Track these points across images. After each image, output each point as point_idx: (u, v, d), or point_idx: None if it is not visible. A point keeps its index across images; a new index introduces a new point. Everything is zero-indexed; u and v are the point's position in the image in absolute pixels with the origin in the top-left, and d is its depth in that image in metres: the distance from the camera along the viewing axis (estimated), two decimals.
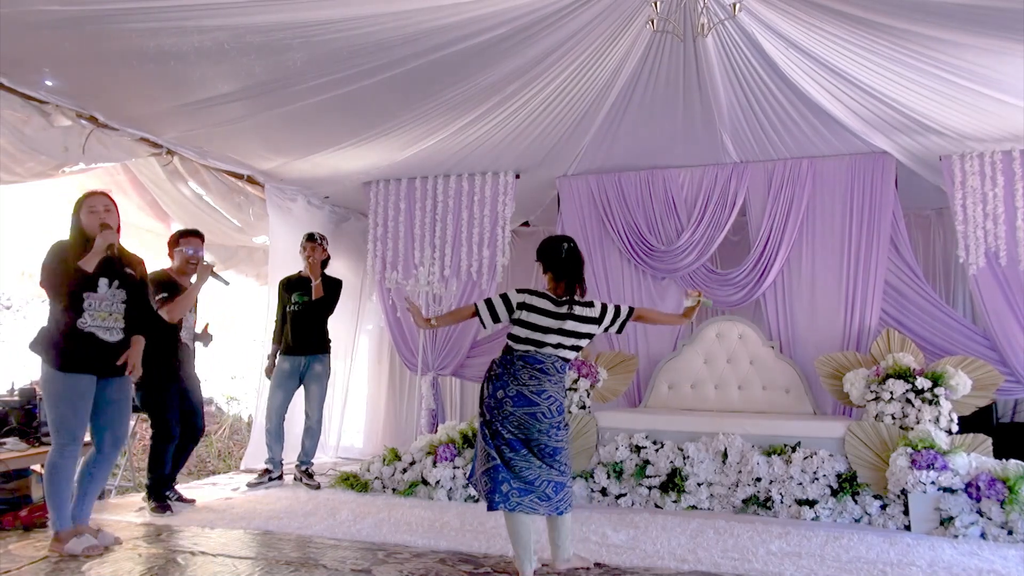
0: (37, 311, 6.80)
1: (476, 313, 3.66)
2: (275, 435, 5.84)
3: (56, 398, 3.77)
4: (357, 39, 4.31)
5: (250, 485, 5.70)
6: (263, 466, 5.88)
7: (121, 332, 3.97)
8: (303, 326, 5.85)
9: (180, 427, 4.86)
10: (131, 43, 4.17)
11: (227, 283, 5.04)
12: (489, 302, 3.64)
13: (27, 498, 4.57)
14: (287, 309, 5.91)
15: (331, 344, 6.08)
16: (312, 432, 5.92)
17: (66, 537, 3.79)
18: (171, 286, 4.84)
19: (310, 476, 5.81)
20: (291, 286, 5.96)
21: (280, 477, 5.87)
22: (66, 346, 3.80)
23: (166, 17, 3.94)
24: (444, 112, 5.42)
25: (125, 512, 4.71)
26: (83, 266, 3.80)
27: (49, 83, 4.66)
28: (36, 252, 5.80)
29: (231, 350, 8.09)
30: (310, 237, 5.94)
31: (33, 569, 3.52)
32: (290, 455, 6.03)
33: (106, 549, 3.85)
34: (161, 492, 4.81)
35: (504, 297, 3.64)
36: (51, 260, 3.84)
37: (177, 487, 5.12)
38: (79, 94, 4.86)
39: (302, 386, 5.94)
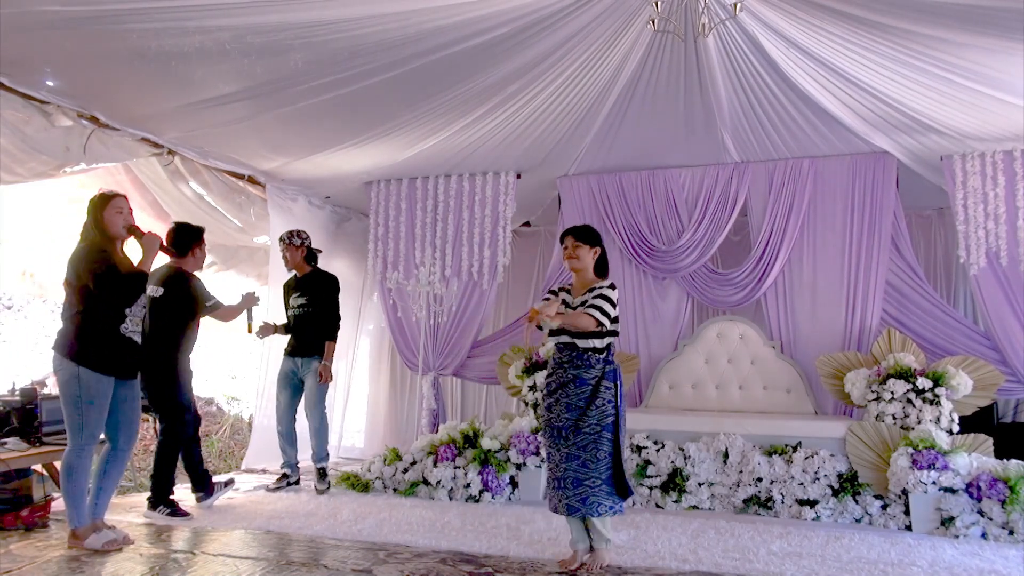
0: (38, 311, 6.81)
1: (600, 324, 3.62)
2: (287, 438, 5.69)
3: (87, 400, 3.80)
4: (358, 39, 4.31)
5: (269, 490, 5.61)
6: (280, 470, 5.76)
7: (141, 336, 4.06)
8: (300, 328, 5.71)
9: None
10: (132, 43, 4.18)
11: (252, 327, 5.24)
12: (603, 310, 3.63)
13: (28, 498, 4.56)
14: (288, 312, 5.82)
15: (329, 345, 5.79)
16: (315, 432, 5.66)
17: (84, 533, 3.85)
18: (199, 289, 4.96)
19: (320, 477, 5.60)
20: (288, 289, 5.87)
21: (297, 482, 5.74)
22: (109, 350, 3.86)
23: (167, 17, 3.94)
24: (445, 112, 5.42)
25: (126, 512, 4.71)
26: (144, 269, 3.94)
27: (50, 83, 4.66)
28: (37, 252, 5.84)
29: (231, 350, 8.09)
30: (280, 239, 5.83)
31: (35, 568, 3.52)
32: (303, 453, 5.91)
33: (124, 541, 3.91)
34: (168, 497, 4.70)
35: (611, 300, 3.69)
36: (105, 265, 3.83)
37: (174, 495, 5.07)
38: (80, 94, 4.87)
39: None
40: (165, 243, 4.22)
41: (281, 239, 5.81)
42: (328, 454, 5.76)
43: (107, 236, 3.92)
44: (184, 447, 4.88)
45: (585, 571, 3.61)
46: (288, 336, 5.82)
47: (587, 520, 3.64)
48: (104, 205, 3.92)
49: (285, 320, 5.86)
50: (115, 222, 3.92)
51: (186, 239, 4.91)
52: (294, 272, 5.87)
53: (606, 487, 3.53)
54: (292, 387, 5.77)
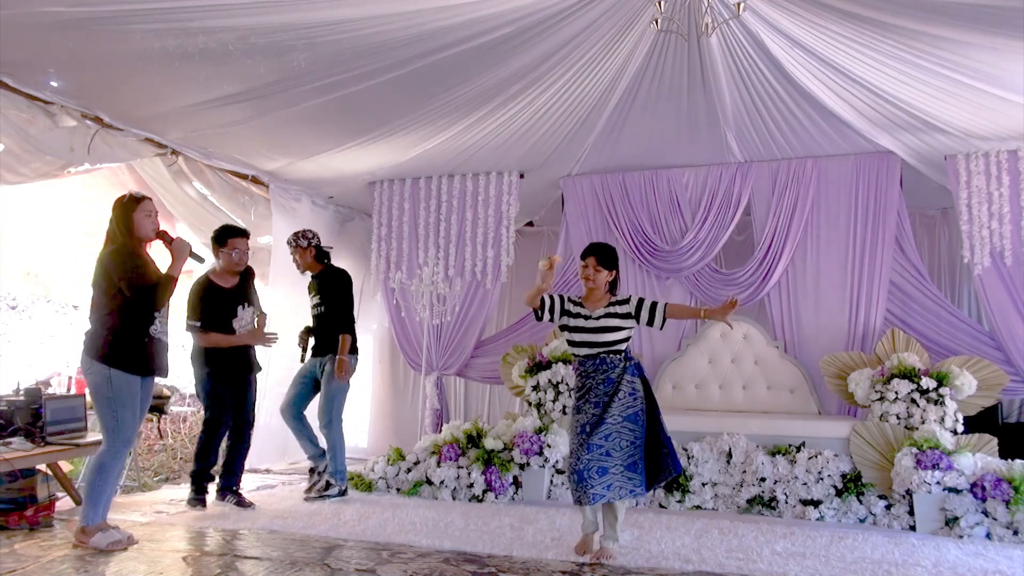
0: (42, 311, 6.82)
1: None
2: (296, 432, 5.45)
3: (122, 402, 3.84)
4: (361, 40, 4.31)
5: (307, 499, 5.30)
6: (308, 470, 5.51)
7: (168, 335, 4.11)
8: (318, 328, 5.51)
9: (233, 421, 5.03)
10: (136, 44, 4.19)
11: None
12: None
13: (32, 498, 4.57)
14: (312, 312, 5.60)
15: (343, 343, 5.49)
16: (331, 449, 5.35)
17: (92, 532, 3.86)
18: (215, 294, 4.91)
19: (324, 487, 5.34)
20: (309, 290, 5.63)
21: (323, 472, 5.39)
22: (139, 351, 3.89)
23: (171, 18, 3.95)
24: (448, 112, 5.42)
25: (129, 512, 4.72)
26: (173, 274, 3.96)
27: (54, 84, 4.68)
28: (41, 252, 5.86)
29: None
30: (287, 243, 5.60)
31: (39, 568, 3.52)
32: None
33: (129, 540, 3.91)
34: (202, 482, 4.92)
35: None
36: (137, 270, 3.86)
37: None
38: (84, 95, 4.88)
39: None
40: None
41: (288, 243, 5.59)
42: (342, 472, 5.35)
43: (135, 239, 3.94)
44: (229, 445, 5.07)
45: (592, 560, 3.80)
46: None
47: (608, 511, 3.87)
48: (133, 208, 3.94)
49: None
50: (144, 225, 3.95)
51: (213, 241, 5.01)
52: (309, 273, 5.63)
53: (628, 472, 3.81)
54: (303, 384, 5.54)
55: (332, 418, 5.34)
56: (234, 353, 4.99)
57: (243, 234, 5.06)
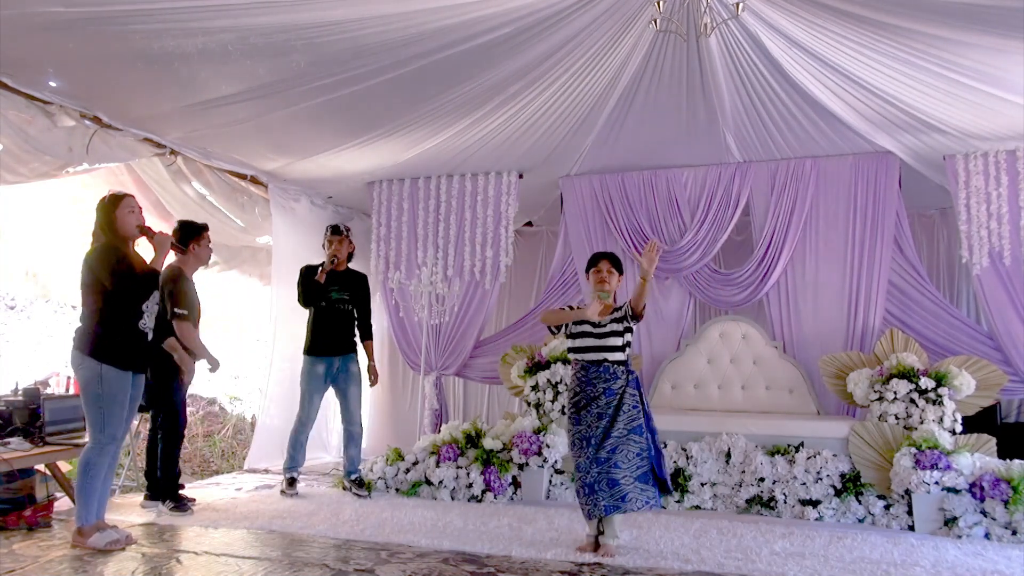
0: (41, 311, 6.82)
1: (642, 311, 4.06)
2: (303, 442, 5.53)
3: (111, 397, 3.86)
4: (360, 40, 4.31)
5: (284, 493, 5.43)
6: (288, 475, 5.50)
7: (153, 331, 4.13)
8: (338, 325, 5.52)
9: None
10: (135, 44, 4.19)
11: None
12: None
13: (31, 498, 4.57)
14: (321, 304, 5.47)
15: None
16: (356, 439, 5.56)
17: (89, 532, 3.87)
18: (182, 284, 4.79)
19: (360, 484, 5.45)
20: (328, 279, 5.48)
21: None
22: (129, 346, 3.93)
23: (170, 18, 3.95)
24: (447, 112, 5.42)
25: (128, 511, 4.72)
26: (156, 267, 4.01)
27: (53, 84, 4.67)
28: (40, 252, 5.85)
29: (234, 350, 8.08)
30: (335, 230, 5.59)
31: (38, 567, 3.52)
32: (314, 453, 5.77)
33: (127, 540, 3.93)
34: (176, 492, 4.78)
35: None
36: (122, 264, 3.89)
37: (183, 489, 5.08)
38: (83, 95, 4.88)
39: (333, 390, 5.63)
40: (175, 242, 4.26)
41: (338, 230, 5.59)
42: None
43: (119, 236, 3.97)
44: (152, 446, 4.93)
45: (600, 555, 3.88)
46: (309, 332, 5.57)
47: (606, 516, 3.92)
48: (116, 205, 3.98)
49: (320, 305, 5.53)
50: (128, 222, 3.99)
51: (185, 235, 4.88)
52: (326, 263, 5.50)
53: (640, 484, 3.86)
54: (324, 391, 5.61)
55: (358, 410, 5.65)
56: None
57: (207, 228, 5.03)
